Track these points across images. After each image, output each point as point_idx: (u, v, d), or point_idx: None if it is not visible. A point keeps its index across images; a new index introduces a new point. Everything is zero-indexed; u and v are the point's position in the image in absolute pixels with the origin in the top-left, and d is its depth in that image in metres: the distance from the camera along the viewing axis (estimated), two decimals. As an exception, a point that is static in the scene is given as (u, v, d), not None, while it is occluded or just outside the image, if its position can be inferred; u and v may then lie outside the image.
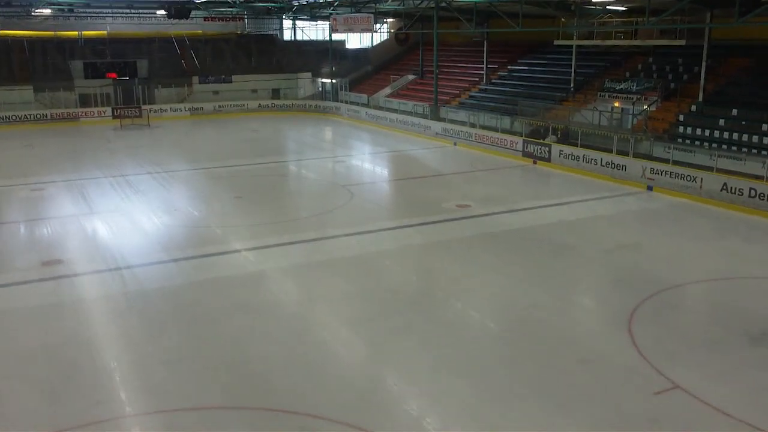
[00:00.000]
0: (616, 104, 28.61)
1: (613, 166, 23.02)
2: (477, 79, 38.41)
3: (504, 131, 29.10)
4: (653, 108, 26.57)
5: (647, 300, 12.54)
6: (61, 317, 11.91)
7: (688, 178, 20.47)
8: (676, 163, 21.27)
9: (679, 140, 23.56)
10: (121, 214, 18.84)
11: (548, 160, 25.82)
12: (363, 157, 29.74)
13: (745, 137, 22.27)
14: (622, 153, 23.07)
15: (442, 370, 9.99)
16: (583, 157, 24.23)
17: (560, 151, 25.33)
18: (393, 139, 33.65)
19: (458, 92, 37.68)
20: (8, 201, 20.85)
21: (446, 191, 22.09)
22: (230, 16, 47.65)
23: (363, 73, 47.16)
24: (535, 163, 26.41)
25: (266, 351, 10.62)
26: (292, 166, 27.86)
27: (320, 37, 52.61)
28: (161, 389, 9.43)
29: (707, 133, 23.41)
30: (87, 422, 8.61)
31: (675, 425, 8.55)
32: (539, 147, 26.36)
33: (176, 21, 43.89)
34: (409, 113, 36.39)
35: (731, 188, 19.27)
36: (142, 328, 11.43)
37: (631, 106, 27.53)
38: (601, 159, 23.49)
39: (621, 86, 28.70)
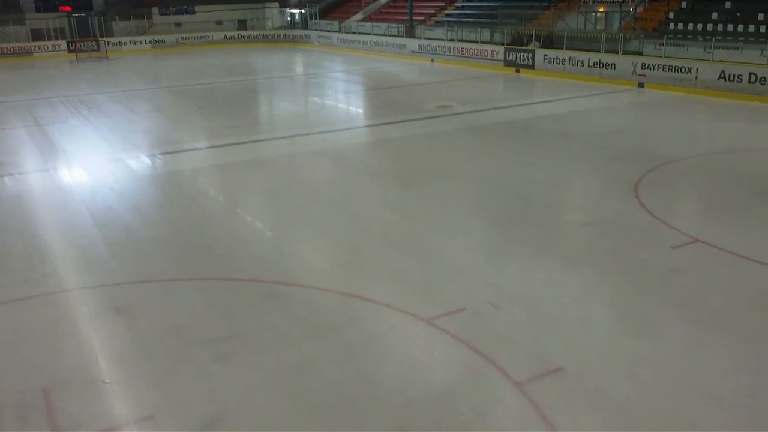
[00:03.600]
0: (601, 9, 27.08)
1: (601, 65, 21.66)
2: (453, -3, 36.55)
3: (484, 42, 27.55)
4: (641, 9, 25.08)
5: (652, 171, 11.33)
6: (-6, 210, 10.42)
7: (683, 70, 19.20)
8: (669, 57, 19.98)
9: (671, 36, 22.17)
10: (69, 126, 17.16)
11: (532, 67, 24.38)
12: (335, 75, 28.05)
13: (740, 27, 20.94)
14: (611, 52, 21.73)
15: (432, 235, 8.71)
16: (569, 59, 22.83)
17: (544, 56, 23.88)
18: (367, 60, 31.95)
19: (434, 11, 35.79)
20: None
21: (425, 96, 20.66)
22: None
23: (333, 2, 44.94)
24: (518, 71, 24.97)
25: (230, 230, 9.25)
26: (259, 82, 26.10)
27: (287, -33, 50.02)
28: (104, 267, 8.04)
29: (700, 27, 22.02)
30: (10, 299, 7.22)
31: (700, 273, 7.38)
32: (522, 54, 24.88)
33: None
34: (383, 35, 34.59)
35: (729, 75, 18.05)
36: (86, 216, 9.95)
37: (618, 9, 26.00)
38: (589, 59, 22.11)
39: (606, -10, 27.12)
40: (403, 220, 9.44)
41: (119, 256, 8.34)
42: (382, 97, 21.34)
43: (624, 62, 20.91)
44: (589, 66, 22.03)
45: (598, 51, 22.03)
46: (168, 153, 13.90)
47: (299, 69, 31.09)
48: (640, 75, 20.36)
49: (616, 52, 21.42)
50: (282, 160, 13.28)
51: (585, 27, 25.36)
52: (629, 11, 24.93)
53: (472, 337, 6.03)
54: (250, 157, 13.42)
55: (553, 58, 23.42)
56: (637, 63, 20.46)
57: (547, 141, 14.04)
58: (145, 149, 14.23)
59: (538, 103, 19.08)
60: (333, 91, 23.25)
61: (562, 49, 23.37)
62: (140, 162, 13.19)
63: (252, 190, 11.40)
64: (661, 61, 19.83)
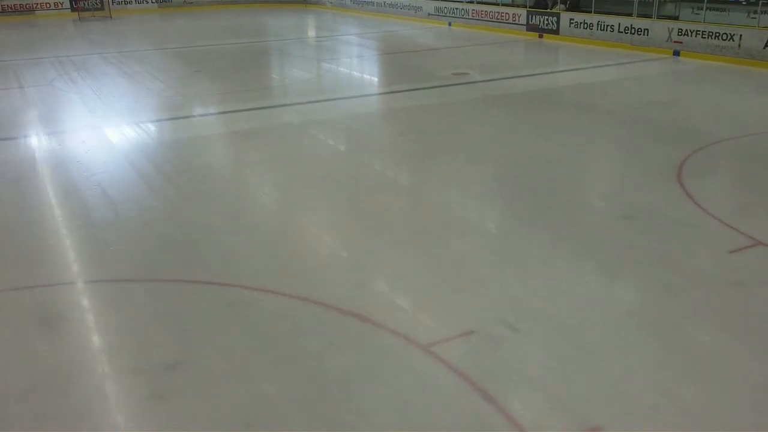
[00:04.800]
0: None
1: (632, 31, 19.88)
2: (473, -43, 34.46)
3: (505, 5, 25.72)
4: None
5: (696, 153, 9.83)
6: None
7: (724, 37, 17.42)
8: (708, 22, 18.18)
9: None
10: (53, 88, 15.83)
11: (556, 32, 22.61)
12: (345, 38, 26.38)
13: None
14: (644, 17, 19.92)
15: (440, 228, 7.33)
16: (598, 24, 21.03)
17: (570, 20, 22.09)
18: (380, 23, 30.24)
19: (453, -28, 33.84)
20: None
21: (440, 62, 19.09)
22: None
23: (348, -39, 42.90)
24: (541, 37, 23.21)
25: (204, 217, 7.92)
26: (266, 45, 24.53)
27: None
28: (42, 262, 6.75)
29: (743, -10, 20.13)
30: (-74, 301, 5.96)
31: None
32: (546, 18, 23.08)
33: None
34: (399, -4, 32.73)
35: (777, 44, 16.29)
36: (40, 194, 8.67)
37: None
38: (619, 24, 20.31)
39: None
40: (408, 208, 8.06)
41: (65, 247, 7.05)
42: (395, 63, 19.77)
43: (658, 28, 19.13)
44: (619, 31, 20.26)
45: (630, 15, 20.21)
46: (151, 121, 12.54)
47: (308, 31, 29.44)
48: (675, 42, 18.61)
49: (650, 17, 19.61)
50: (279, 131, 11.87)
51: (615, -11, 23.44)
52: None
53: (482, 374, 4.69)
54: (243, 128, 12.04)
55: (580, 23, 21.65)
56: (672, 29, 18.68)
57: (575, 114, 12.53)
58: (125, 116, 12.87)
59: (564, 71, 17.45)
60: (342, 55, 21.67)
61: (590, 12, 21.55)
62: (117, 131, 11.84)
63: (238, 167, 10.04)
64: (700, 27, 18.05)
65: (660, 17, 19.54)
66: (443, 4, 28.73)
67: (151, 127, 12.08)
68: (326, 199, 8.40)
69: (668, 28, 18.79)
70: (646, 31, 19.44)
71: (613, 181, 9.12)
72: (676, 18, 19.43)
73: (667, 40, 18.81)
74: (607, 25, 20.65)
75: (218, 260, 6.66)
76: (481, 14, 26.18)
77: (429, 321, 5.45)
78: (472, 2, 27.24)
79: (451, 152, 10.26)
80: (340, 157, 10.31)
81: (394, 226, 7.48)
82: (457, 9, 27.66)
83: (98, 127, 12.05)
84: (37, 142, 11.25)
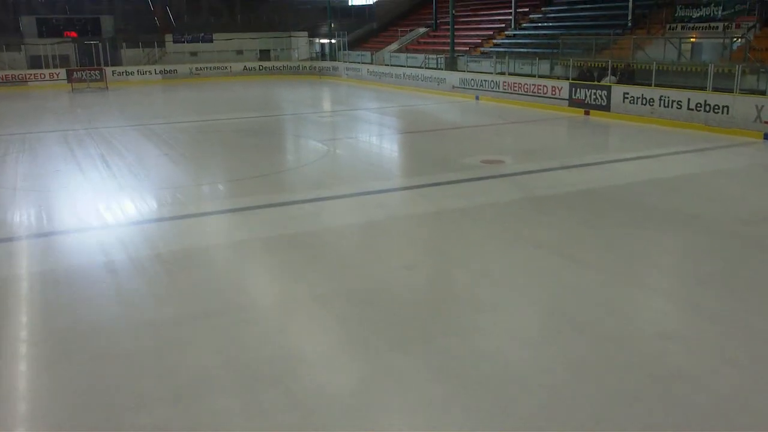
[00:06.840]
0: (693, 39, 21.53)
1: (707, 108, 15.99)
2: (503, 25, 31.36)
3: (542, 77, 22.17)
4: (751, 36, 19.43)
5: None
6: None
7: (837, 117, 13.46)
8: (808, 98, 14.30)
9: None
10: (-34, 177, 12.32)
11: (606, 108, 18.84)
12: (358, 113, 22.91)
13: None
14: (721, 90, 16.08)
15: None
16: (660, 99, 17.22)
17: (624, 94, 18.33)
18: (398, 96, 26.87)
19: (480, 41, 30.75)
20: None
21: (467, 145, 15.35)
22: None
23: (367, 31, 40.41)
24: (587, 113, 19.46)
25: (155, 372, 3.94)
26: (262, 121, 21.05)
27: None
28: None
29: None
30: None
31: None
32: (593, 91, 19.38)
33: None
34: (419, 67, 29.53)
35: None
36: None
37: (720, 37, 20.38)
38: (689, 100, 16.47)
39: (699, 14, 21.61)
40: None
41: None
42: (412, 146, 16.06)
43: (742, 104, 15.24)
44: (689, 108, 16.40)
45: (703, 89, 16.38)
46: (58, 232, 8.76)
47: (318, 105, 26.14)
48: (767, 123, 14.66)
49: (730, 91, 15.74)
50: (223, 255, 8.00)
51: (679, 58, 19.78)
52: (737, 38, 19.29)
53: None
54: (173, 248, 8.21)
55: (637, 98, 17.86)
56: (762, 106, 14.77)
57: (660, 230, 8.50)
58: (34, 222, 9.12)
59: (627, 160, 13.47)
60: (350, 134, 18.06)
61: (650, 86, 17.78)
62: (6, 248, 8.09)
63: (128, 329, 6.07)
64: (800, 104, 14.14)
65: (742, 91, 15.68)
66: (470, 76, 25.33)
67: (53, 244, 8.28)
68: (296, 390, 4.37)
69: (756, 106, 14.88)
70: (725, 109, 15.54)
71: (759, 381, 4.95)
72: (762, 93, 15.55)
73: (755, 120, 14.88)
74: (673, 101, 16.82)
75: None
76: (514, 87, 22.62)
77: None
78: (503, 74, 23.77)
79: (475, 305, 6.23)
80: (293, 318, 6.32)
81: None
82: (485, 81, 24.19)
83: (20, 238, 8.32)
84: None
